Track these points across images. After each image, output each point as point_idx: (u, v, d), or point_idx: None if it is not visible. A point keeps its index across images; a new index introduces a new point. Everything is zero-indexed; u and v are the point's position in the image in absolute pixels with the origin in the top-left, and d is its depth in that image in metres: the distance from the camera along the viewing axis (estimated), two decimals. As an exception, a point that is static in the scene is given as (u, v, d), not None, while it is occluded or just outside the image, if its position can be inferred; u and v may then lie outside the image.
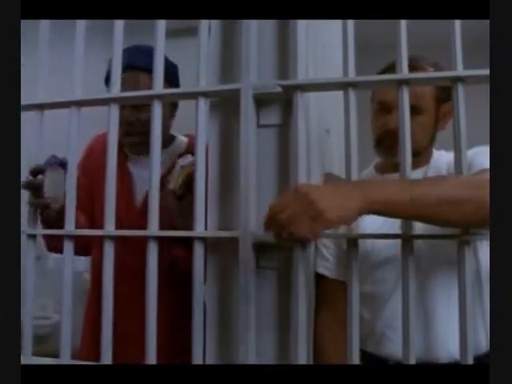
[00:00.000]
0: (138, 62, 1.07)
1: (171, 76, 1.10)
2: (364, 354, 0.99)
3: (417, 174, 0.99)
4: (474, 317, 0.90)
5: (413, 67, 0.94)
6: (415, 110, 0.95)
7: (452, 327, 0.91)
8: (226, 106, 0.82)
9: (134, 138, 1.11)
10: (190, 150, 1.09)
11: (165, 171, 1.13)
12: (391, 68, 0.98)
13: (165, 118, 1.10)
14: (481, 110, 1.66)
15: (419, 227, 0.73)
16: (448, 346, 0.88)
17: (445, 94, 0.99)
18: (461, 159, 0.67)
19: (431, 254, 0.91)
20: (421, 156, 0.97)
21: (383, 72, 0.97)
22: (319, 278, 1.00)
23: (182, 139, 1.22)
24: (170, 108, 1.16)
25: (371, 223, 0.97)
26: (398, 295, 0.76)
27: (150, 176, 0.78)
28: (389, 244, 0.89)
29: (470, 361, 0.65)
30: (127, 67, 1.03)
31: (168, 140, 1.17)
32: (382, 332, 0.95)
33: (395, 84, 0.70)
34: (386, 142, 1.00)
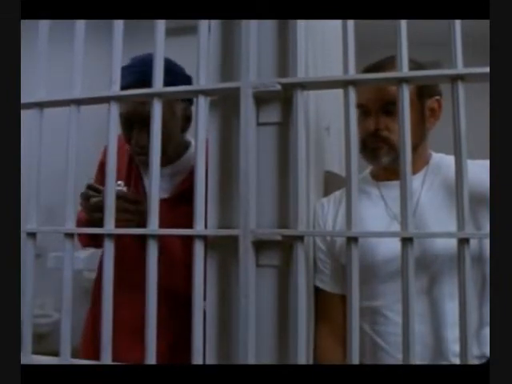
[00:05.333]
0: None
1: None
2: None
3: (415, 179, 0.97)
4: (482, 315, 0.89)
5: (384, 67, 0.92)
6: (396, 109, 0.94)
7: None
8: (225, 104, 0.82)
9: (146, 158, 1.10)
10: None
11: (181, 181, 1.13)
12: (376, 67, 0.97)
13: (176, 131, 1.10)
14: (481, 109, 1.66)
15: None
16: (456, 349, 0.86)
17: (428, 89, 0.97)
18: (461, 159, 0.67)
19: (445, 254, 0.89)
20: (416, 156, 0.93)
21: (366, 71, 0.95)
22: (317, 291, 0.99)
23: None
24: (183, 122, 1.14)
25: (375, 225, 0.96)
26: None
27: (149, 176, 0.78)
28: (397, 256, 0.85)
29: (470, 361, 0.65)
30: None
31: (182, 150, 1.17)
32: (382, 346, 0.93)
33: (395, 82, 0.70)
34: (369, 146, 0.98)
